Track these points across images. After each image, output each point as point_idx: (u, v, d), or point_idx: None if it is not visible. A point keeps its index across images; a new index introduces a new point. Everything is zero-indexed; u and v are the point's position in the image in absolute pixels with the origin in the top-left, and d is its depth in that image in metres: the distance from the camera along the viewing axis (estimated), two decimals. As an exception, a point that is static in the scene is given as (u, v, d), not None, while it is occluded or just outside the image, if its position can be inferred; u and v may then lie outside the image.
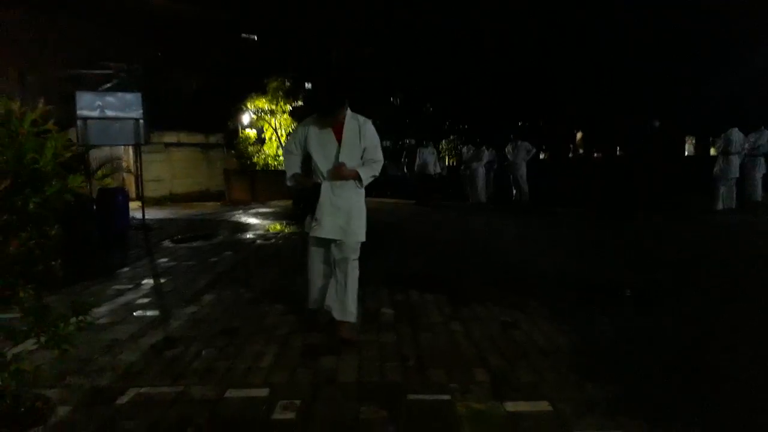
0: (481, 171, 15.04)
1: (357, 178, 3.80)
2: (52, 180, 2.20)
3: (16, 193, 2.13)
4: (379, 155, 3.88)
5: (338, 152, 3.77)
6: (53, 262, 2.39)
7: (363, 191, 3.92)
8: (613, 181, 13.54)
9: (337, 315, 3.82)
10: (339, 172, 3.75)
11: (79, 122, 9.48)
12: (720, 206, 11.20)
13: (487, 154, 14.98)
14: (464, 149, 15.73)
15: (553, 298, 4.92)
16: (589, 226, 10.23)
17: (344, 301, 3.80)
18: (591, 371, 3.20)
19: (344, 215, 3.78)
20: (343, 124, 3.77)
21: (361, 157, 3.83)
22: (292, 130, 20.72)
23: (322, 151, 3.82)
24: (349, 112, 3.81)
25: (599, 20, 15.89)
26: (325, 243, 3.89)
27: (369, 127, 3.82)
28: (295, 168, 3.99)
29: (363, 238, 3.85)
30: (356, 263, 3.89)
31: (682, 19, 15.78)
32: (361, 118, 3.84)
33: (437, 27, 17.28)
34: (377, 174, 3.88)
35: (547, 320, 4.21)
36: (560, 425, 2.61)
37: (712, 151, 18.19)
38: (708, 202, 11.38)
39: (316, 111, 3.85)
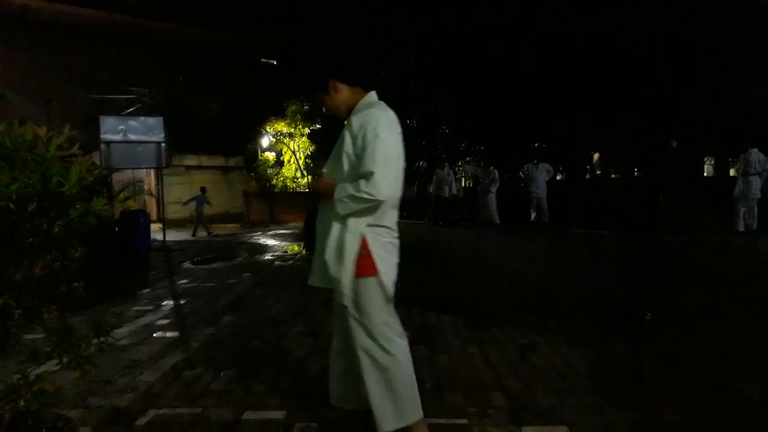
0: (494, 191, 14.99)
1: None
2: (76, 203, 2.25)
3: (42, 216, 2.18)
4: (368, 165, 2.34)
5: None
6: (76, 284, 2.42)
7: (353, 218, 2.46)
8: (633, 202, 13.44)
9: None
10: (315, 184, 2.74)
11: (102, 146, 9.71)
12: (741, 227, 11.02)
13: (496, 175, 14.93)
14: (476, 169, 15.70)
15: (572, 320, 4.86)
16: (607, 246, 10.13)
17: (372, 401, 2.53)
18: (610, 395, 3.16)
19: (320, 250, 2.61)
20: None
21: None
22: (310, 152, 21.06)
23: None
24: (368, 99, 2.58)
25: (616, 41, 15.89)
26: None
27: (365, 123, 2.41)
28: None
29: (345, 287, 2.50)
30: (376, 341, 2.51)
31: (699, 39, 15.74)
32: (369, 113, 2.45)
33: (455, 49, 17.39)
34: (357, 195, 2.36)
35: (566, 343, 4.16)
36: (579, 450, 2.58)
37: (732, 172, 17.95)
38: (729, 223, 11.22)
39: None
